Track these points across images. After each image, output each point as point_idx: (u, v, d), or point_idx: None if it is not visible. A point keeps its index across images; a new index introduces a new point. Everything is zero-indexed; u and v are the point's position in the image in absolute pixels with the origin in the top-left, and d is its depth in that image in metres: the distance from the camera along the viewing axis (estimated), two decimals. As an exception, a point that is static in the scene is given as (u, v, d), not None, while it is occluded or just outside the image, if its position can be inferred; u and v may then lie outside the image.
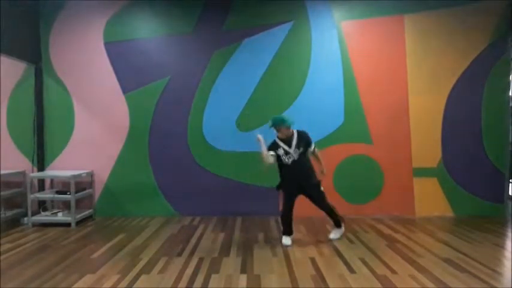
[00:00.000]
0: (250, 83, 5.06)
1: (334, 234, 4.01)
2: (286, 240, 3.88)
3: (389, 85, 5.00)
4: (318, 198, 3.87)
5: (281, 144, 3.77)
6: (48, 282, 2.90)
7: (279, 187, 3.93)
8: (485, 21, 4.94)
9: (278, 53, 5.03)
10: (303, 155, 3.78)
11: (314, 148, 3.90)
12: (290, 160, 3.74)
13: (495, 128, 5.00)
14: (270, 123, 3.85)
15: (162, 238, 4.09)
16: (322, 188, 3.89)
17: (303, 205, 5.02)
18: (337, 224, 4.00)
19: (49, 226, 4.59)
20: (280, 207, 3.99)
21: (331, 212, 3.92)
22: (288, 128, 3.79)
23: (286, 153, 3.74)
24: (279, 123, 3.79)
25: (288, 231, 3.92)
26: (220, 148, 5.10)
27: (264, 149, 3.77)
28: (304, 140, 3.80)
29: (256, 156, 5.04)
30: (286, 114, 3.93)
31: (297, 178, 3.80)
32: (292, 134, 3.80)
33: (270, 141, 3.85)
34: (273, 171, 5.05)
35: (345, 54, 5.01)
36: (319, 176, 3.90)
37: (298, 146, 3.74)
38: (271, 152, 3.75)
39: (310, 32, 5.02)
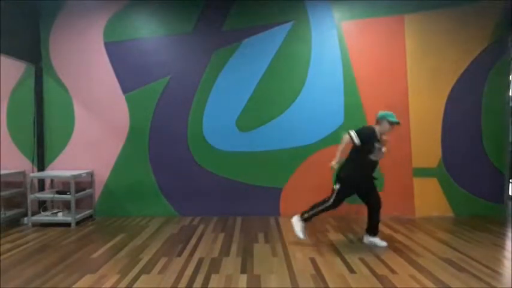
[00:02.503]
0: (250, 83, 5.06)
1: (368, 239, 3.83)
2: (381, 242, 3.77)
3: (389, 85, 5.00)
4: (376, 191, 3.74)
5: (379, 138, 3.62)
6: (48, 282, 2.90)
7: (342, 182, 3.61)
8: (485, 21, 4.94)
9: (278, 53, 5.03)
10: None
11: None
12: (377, 156, 3.61)
13: (495, 128, 5.01)
14: (388, 115, 3.64)
15: (162, 238, 4.09)
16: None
17: (302, 205, 5.06)
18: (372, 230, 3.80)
19: (49, 226, 4.58)
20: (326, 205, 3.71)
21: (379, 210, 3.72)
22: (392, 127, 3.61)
23: (379, 149, 3.61)
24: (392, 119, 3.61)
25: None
26: (220, 148, 5.10)
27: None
28: None
29: (256, 156, 5.11)
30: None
31: (370, 175, 3.68)
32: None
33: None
34: (272, 171, 5.13)
35: (345, 54, 5.01)
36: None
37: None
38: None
39: (310, 32, 5.02)
